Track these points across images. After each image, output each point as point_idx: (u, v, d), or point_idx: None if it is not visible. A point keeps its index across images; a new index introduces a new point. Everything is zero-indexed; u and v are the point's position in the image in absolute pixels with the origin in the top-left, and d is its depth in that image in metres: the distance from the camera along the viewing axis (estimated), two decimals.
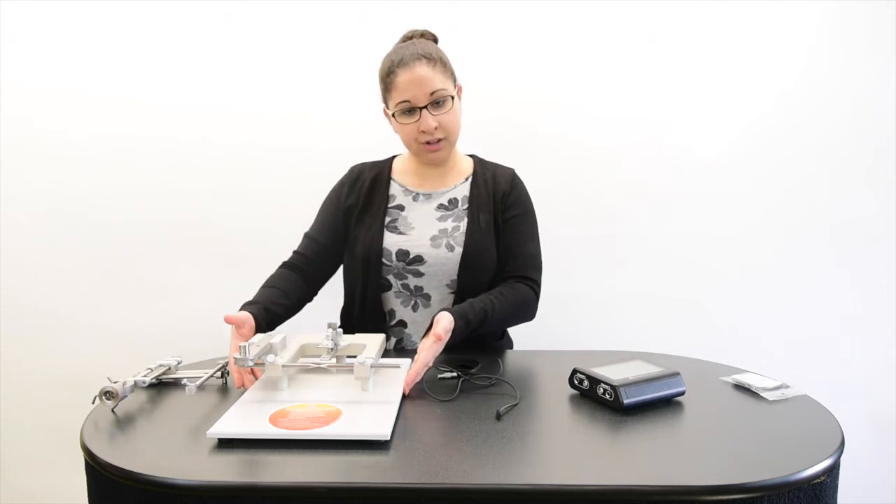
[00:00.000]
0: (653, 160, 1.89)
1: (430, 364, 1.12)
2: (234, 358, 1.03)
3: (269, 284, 1.34)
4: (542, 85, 1.86)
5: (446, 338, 1.15)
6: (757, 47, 1.84)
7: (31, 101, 1.84)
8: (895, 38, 1.82)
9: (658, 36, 1.84)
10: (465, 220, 1.38)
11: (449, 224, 1.37)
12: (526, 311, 1.37)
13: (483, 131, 1.67)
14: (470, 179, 1.42)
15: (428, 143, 1.33)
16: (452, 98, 1.32)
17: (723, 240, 1.91)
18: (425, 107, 1.29)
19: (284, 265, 1.40)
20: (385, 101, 1.36)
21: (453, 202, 1.40)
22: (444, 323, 1.16)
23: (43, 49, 1.83)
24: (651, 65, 1.85)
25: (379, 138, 1.48)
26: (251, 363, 1.03)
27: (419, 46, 1.32)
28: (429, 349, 1.12)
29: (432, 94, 1.29)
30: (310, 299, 1.40)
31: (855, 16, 1.82)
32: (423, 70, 1.28)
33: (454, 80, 1.35)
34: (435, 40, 1.39)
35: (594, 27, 1.84)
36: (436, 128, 1.31)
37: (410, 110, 1.30)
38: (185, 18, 1.83)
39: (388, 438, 0.89)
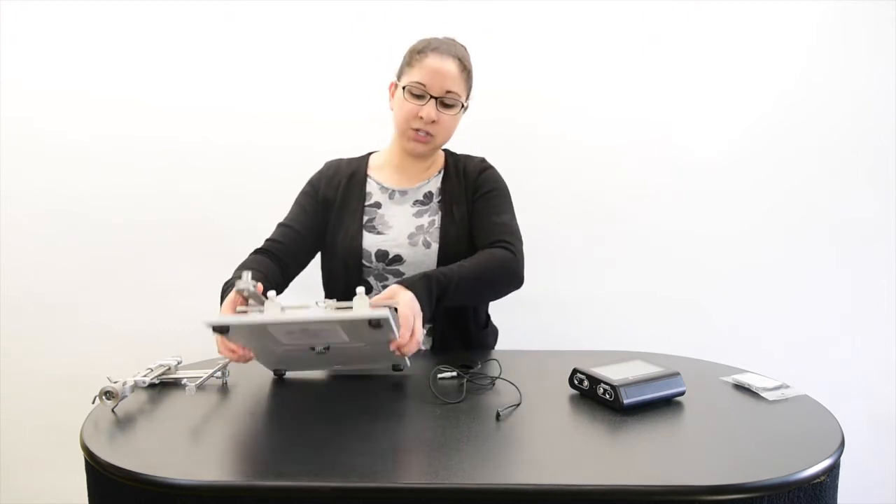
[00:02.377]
0: (653, 160, 1.89)
1: (415, 324, 1.07)
2: (237, 284, 0.97)
3: (248, 266, 1.26)
4: (542, 85, 1.86)
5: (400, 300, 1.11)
6: (757, 47, 1.84)
7: (31, 101, 1.84)
8: (895, 38, 1.82)
9: (658, 36, 1.84)
10: (440, 213, 1.37)
11: (425, 220, 1.37)
12: (504, 269, 1.29)
13: (483, 131, 1.67)
14: (442, 173, 1.42)
15: (418, 130, 1.32)
16: (461, 107, 1.34)
17: (723, 240, 1.91)
18: (436, 98, 1.30)
19: (259, 252, 1.33)
20: (400, 74, 1.35)
21: (428, 196, 1.40)
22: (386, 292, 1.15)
23: (43, 49, 1.83)
24: (651, 65, 1.85)
25: (378, 138, 1.47)
26: (252, 288, 0.98)
27: (459, 49, 1.35)
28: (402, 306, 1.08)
29: (448, 92, 1.31)
30: (281, 291, 1.34)
31: (855, 16, 1.82)
32: (452, 66, 1.31)
33: (468, 92, 1.37)
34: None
35: (594, 27, 1.84)
36: (433, 122, 1.31)
37: (421, 95, 1.30)
38: (185, 18, 1.82)
39: (387, 317, 0.93)
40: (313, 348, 1.05)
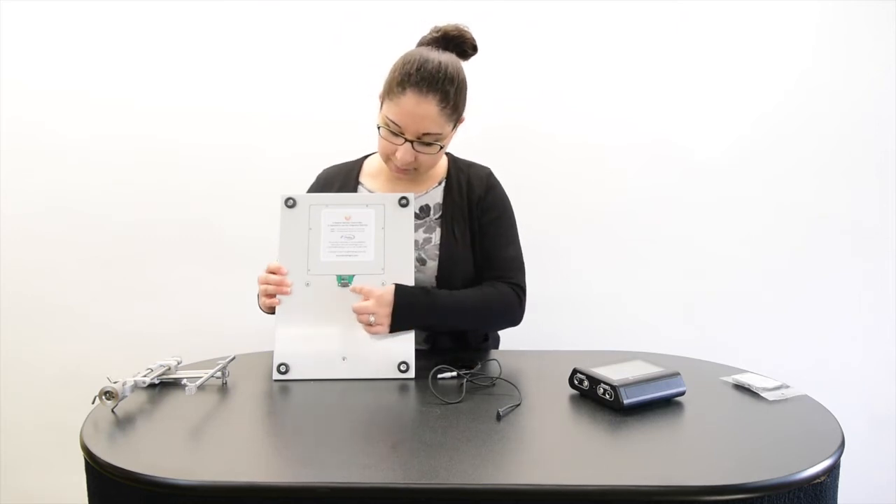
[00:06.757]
0: (654, 161, 1.88)
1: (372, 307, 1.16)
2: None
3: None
4: (542, 85, 1.86)
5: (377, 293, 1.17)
6: (758, 48, 1.84)
7: (31, 101, 1.84)
8: None
9: (658, 36, 1.84)
10: (438, 230, 1.32)
11: (420, 235, 1.31)
12: (506, 309, 1.30)
13: (484, 132, 1.67)
14: (443, 184, 1.36)
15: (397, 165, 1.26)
16: (441, 146, 1.25)
17: (723, 240, 1.91)
18: (411, 140, 1.22)
19: None
20: (384, 94, 1.26)
21: (424, 210, 1.34)
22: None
23: (43, 49, 1.82)
24: (651, 66, 1.85)
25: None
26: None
27: (445, 74, 1.21)
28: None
29: (424, 134, 1.22)
30: None
31: (857, 15, 1.82)
32: (430, 108, 1.19)
33: (457, 120, 1.27)
34: (474, 48, 1.30)
35: (595, 28, 1.84)
36: (410, 162, 1.24)
37: (397, 133, 1.22)
38: (186, 19, 1.82)
39: (413, 196, 1.21)
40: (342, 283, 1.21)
